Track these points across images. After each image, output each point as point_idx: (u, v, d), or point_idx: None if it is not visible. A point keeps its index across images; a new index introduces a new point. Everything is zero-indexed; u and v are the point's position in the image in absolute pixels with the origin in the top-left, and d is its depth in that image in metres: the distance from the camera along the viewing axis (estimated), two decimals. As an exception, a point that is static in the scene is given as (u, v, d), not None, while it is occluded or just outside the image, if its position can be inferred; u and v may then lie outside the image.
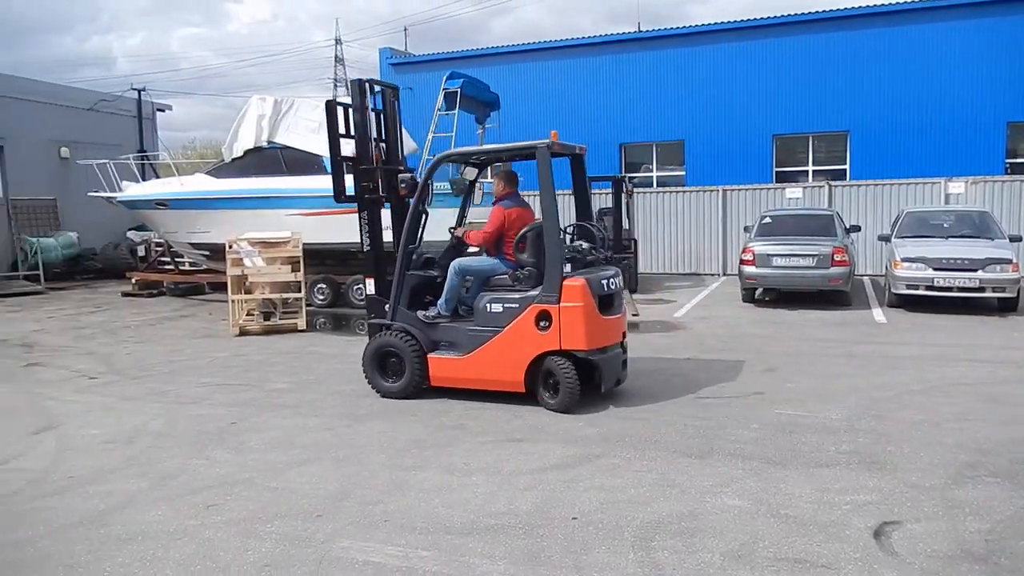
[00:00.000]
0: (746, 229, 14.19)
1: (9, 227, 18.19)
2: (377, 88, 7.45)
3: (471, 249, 7.04)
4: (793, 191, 16.87)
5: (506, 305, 6.22)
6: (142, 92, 22.57)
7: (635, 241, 14.71)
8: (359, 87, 7.14)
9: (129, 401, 6.86)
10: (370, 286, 7.12)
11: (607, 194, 15.83)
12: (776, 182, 18.50)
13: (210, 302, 14.48)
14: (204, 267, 15.01)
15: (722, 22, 19.55)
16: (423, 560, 3.60)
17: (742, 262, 12.25)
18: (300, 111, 13.10)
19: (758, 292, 12.56)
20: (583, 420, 5.86)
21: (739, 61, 19.23)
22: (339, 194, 7.25)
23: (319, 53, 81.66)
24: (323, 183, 12.43)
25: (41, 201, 19.04)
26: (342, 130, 7.29)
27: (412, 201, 6.79)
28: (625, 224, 14.52)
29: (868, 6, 18.23)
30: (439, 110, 12.63)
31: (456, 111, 12.49)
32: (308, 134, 12.82)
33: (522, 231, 6.39)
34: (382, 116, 7.48)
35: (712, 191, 17.55)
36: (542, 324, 6.04)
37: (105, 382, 7.70)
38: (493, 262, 6.63)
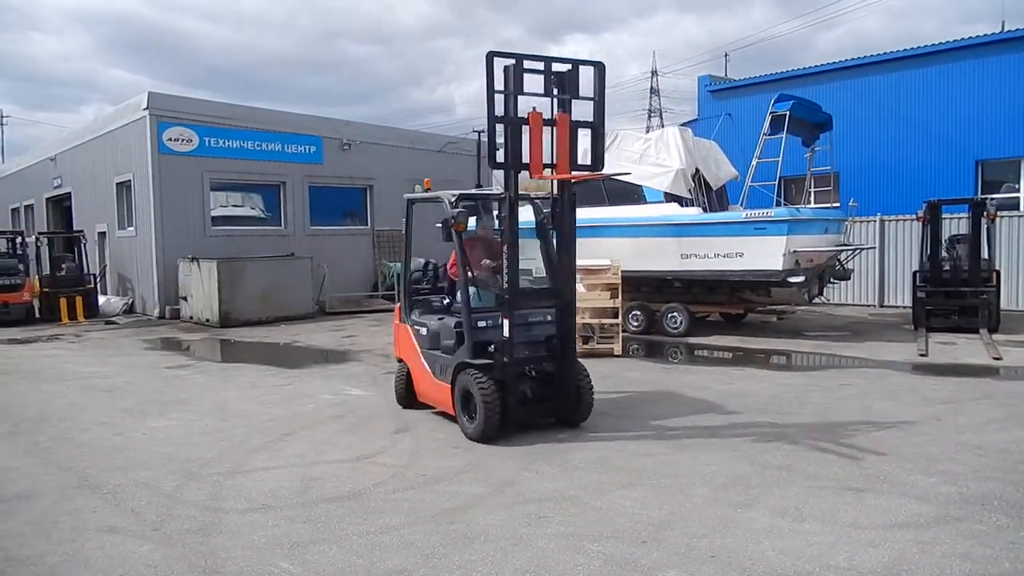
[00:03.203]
0: None
1: (373, 254, 21.32)
2: None
3: None
4: None
5: None
6: (481, 134, 25.14)
7: (997, 273, 12.65)
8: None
9: (468, 411, 7.56)
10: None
11: (960, 219, 13.96)
12: None
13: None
14: None
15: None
16: (755, 605, 3.41)
17: None
18: (623, 143, 13.47)
19: None
20: (936, 476, 5.14)
21: None
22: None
23: (637, 86, 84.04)
24: (642, 212, 12.73)
25: (397, 231, 21.97)
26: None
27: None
28: (984, 253, 12.60)
29: None
30: (765, 134, 12.15)
31: (784, 135, 11.91)
32: (629, 164, 13.13)
33: None
34: None
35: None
36: None
37: (447, 392, 8.58)
38: None
